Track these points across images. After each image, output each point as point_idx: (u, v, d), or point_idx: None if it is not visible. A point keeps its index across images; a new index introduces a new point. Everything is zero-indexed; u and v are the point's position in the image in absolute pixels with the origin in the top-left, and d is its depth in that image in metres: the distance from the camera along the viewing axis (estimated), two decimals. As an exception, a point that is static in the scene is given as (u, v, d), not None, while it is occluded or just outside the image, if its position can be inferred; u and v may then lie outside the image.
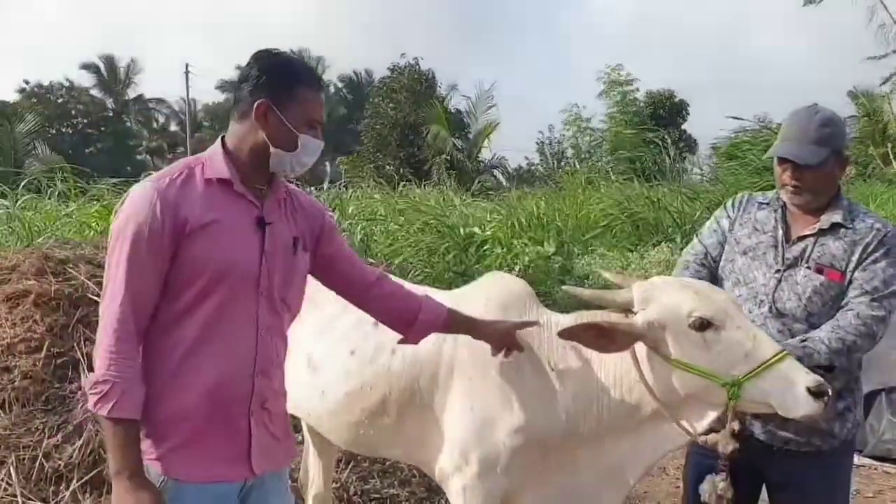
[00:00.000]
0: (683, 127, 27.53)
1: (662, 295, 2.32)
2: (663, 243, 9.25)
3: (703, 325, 2.22)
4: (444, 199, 9.47)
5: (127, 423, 1.89)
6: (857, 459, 5.25)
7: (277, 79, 2.03)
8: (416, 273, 7.16)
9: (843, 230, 2.53)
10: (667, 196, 11.53)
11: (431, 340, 2.60)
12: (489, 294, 2.67)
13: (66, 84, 40.04)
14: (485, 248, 7.75)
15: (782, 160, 2.57)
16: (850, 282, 2.48)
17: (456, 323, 2.46)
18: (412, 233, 8.04)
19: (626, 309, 2.37)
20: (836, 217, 2.54)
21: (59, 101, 39.27)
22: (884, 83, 22.49)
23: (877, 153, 21.17)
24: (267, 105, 2.00)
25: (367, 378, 2.68)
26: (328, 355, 2.78)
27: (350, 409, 2.70)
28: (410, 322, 2.42)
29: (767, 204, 2.69)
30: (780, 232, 2.61)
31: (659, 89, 27.21)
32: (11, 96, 36.58)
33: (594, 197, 11.65)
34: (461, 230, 7.98)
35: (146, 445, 1.95)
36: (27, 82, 38.42)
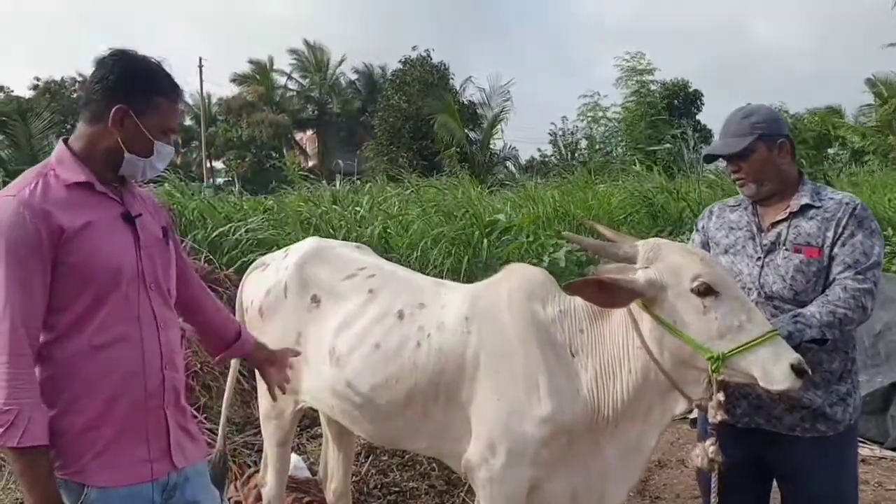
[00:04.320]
0: (698, 118, 27.39)
1: (669, 255, 2.38)
2: (683, 234, 9.19)
3: (705, 290, 2.28)
4: (461, 190, 9.37)
5: (38, 451, 1.80)
6: (878, 451, 5.22)
7: (135, 85, 1.98)
8: (436, 265, 7.13)
9: (812, 210, 2.61)
10: (684, 186, 11.45)
11: (456, 333, 2.62)
12: (511, 285, 2.67)
13: (80, 79, 40.16)
14: (505, 237, 7.69)
15: (727, 159, 2.71)
16: (832, 258, 2.55)
17: (256, 351, 2.53)
18: (431, 223, 7.99)
19: (627, 263, 2.43)
20: (805, 199, 2.62)
21: (73, 95, 39.41)
22: (901, 69, 22.20)
23: (896, 141, 20.95)
24: (125, 111, 1.96)
25: (393, 371, 2.68)
26: (352, 348, 2.78)
27: (375, 403, 2.70)
28: (230, 342, 2.44)
29: (738, 205, 2.81)
30: (754, 224, 2.70)
31: (673, 79, 27.08)
32: (25, 93, 36.72)
33: (611, 188, 11.57)
34: (483, 218, 7.91)
35: (63, 461, 1.88)
36: (38, 79, 38.58)
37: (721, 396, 2.30)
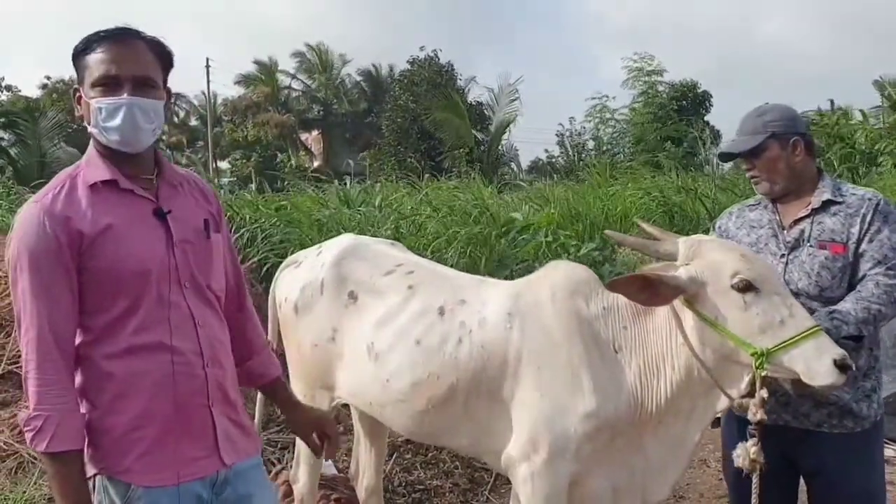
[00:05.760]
0: (707, 118, 27.34)
1: (709, 252, 2.40)
2: (699, 233, 9.20)
3: (745, 287, 2.29)
4: (474, 190, 9.39)
5: (68, 456, 1.80)
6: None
7: (75, 62, 1.92)
8: (452, 265, 7.13)
9: (835, 206, 2.63)
10: (700, 185, 11.45)
11: (498, 329, 2.62)
12: (554, 282, 2.67)
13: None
14: (523, 236, 7.70)
15: (741, 157, 2.76)
16: (861, 254, 2.55)
17: (278, 392, 2.36)
18: (446, 224, 8.00)
19: (668, 260, 2.45)
20: (826, 195, 2.64)
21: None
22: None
23: (904, 144, 20.83)
24: (76, 90, 1.94)
25: (434, 367, 2.68)
26: (392, 345, 2.78)
27: (416, 399, 2.70)
28: (238, 363, 2.21)
29: (758, 204, 2.83)
30: (776, 222, 2.73)
31: (682, 80, 27.05)
32: (34, 92, 36.60)
33: (625, 188, 11.59)
34: (500, 216, 7.93)
35: (108, 461, 1.88)
36: (48, 78, 38.52)
37: (765, 393, 2.31)
